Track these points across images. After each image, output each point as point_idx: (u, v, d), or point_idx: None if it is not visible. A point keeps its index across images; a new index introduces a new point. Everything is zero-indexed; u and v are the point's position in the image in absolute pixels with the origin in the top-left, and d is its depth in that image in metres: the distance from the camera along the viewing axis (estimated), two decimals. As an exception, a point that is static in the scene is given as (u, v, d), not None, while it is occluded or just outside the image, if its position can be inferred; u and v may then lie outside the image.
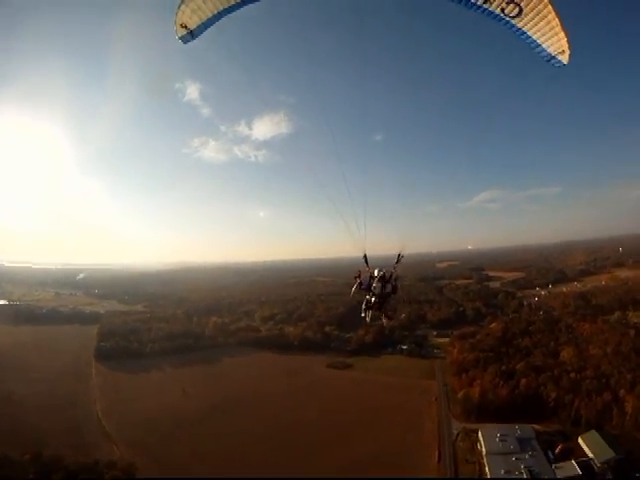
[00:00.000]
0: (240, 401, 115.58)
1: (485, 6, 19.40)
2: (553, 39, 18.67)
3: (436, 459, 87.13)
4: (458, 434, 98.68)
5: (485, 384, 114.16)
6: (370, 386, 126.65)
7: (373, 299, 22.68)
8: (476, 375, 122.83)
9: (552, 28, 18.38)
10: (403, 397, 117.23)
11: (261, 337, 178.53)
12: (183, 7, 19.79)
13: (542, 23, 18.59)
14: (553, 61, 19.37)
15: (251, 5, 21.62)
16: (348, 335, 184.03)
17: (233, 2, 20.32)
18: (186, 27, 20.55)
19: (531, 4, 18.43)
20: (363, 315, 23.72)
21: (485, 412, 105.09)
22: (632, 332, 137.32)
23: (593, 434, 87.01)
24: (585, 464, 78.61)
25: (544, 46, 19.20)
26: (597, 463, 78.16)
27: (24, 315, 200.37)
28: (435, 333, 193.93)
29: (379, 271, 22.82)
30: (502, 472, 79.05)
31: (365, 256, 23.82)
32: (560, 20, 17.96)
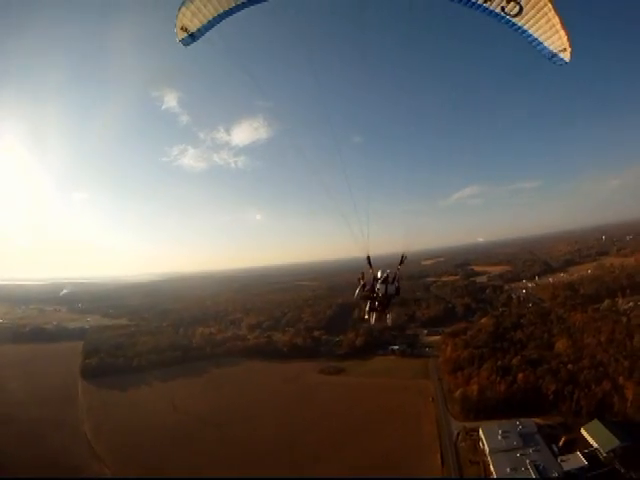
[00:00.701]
0: (233, 414, 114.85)
1: (486, 5, 19.90)
2: (554, 37, 19.11)
3: (439, 461, 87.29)
4: (459, 434, 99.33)
5: (482, 381, 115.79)
6: (364, 390, 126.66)
7: (377, 301, 23.16)
8: (472, 372, 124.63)
9: (553, 26, 18.82)
10: (399, 399, 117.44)
11: (249, 346, 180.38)
12: (183, 9, 20.45)
13: (543, 21, 19.03)
14: (555, 59, 19.85)
15: (250, 7, 22.22)
16: (338, 339, 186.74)
17: (234, 4, 20.91)
18: (186, 30, 21.23)
19: (531, 2, 18.83)
20: (367, 317, 24.06)
21: (484, 409, 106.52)
22: (624, 319, 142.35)
23: (596, 424, 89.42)
24: (591, 455, 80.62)
25: (545, 44, 19.69)
26: (603, 453, 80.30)
27: (6, 334, 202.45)
28: (426, 332, 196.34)
29: (382, 272, 23.38)
30: (508, 470, 79.79)
31: (368, 257, 24.23)
32: (561, 18, 18.41)
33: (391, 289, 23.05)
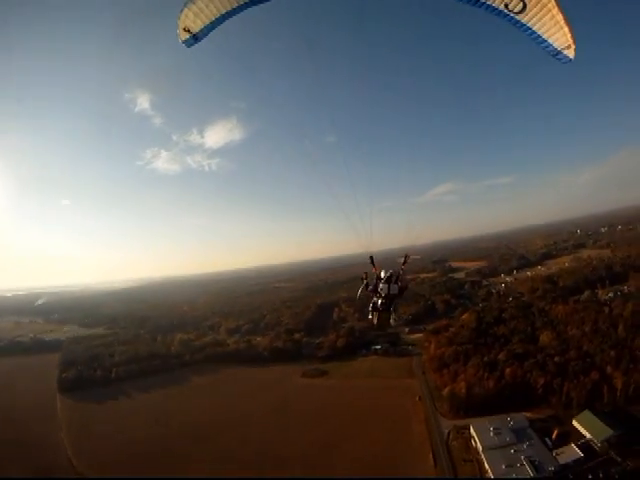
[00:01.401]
0: (217, 425, 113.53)
1: (489, 2, 20.56)
2: (558, 34, 19.48)
3: (432, 462, 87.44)
4: (449, 433, 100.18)
5: (470, 378, 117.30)
6: (349, 392, 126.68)
7: (380, 301, 23.51)
8: (458, 369, 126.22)
9: (557, 23, 19.20)
10: (386, 400, 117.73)
11: (229, 351, 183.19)
12: (186, 10, 21.21)
13: (546, 18, 19.43)
14: (559, 56, 20.27)
15: (250, 8, 22.95)
16: (318, 340, 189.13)
17: (236, 5, 21.57)
18: (189, 31, 22.01)
19: None
20: (370, 317, 24.45)
21: (473, 406, 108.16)
22: (606, 309, 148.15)
23: (587, 415, 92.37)
24: (585, 446, 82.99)
25: (550, 41, 20.11)
26: (597, 443, 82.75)
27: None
28: (407, 330, 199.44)
29: (386, 272, 23.69)
30: (503, 467, 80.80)
31: (371, 257, 25.10)
32: (564, 14, 18.80)
33: (394, 289, 23.37)
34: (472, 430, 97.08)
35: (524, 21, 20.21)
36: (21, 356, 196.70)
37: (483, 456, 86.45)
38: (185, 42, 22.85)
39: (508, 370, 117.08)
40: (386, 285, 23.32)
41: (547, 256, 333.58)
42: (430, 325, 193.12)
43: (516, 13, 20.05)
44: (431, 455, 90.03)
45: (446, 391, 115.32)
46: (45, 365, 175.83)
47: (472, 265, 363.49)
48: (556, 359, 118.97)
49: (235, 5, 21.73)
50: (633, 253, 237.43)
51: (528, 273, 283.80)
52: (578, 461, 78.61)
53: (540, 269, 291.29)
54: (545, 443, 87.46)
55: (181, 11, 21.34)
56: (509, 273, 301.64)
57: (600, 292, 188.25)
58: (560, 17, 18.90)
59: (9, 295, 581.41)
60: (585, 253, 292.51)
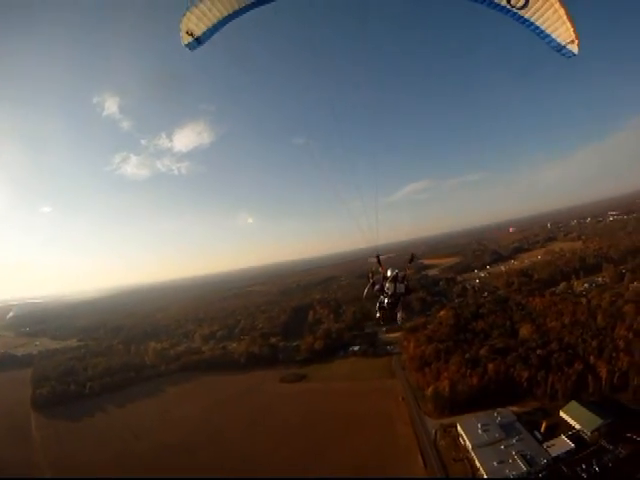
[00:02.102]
0: (197, 436, 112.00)
1: None
2: (562, 29, 20.06)
3: (421, 463, 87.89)
4: (436, 432, 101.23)
5: (452, 375, 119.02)
6: (330, 396, 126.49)
7: (386, 300, 24.27)
8: (440, 367, 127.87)
9: (559, 17, 19.75)
10: (368, 402, 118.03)
11: (205, 359, 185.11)
12: (188, 14, 21.99)
13: (549, 12, 19.97)
14: (564, 51, 20.85)
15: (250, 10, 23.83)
16: (295, 344, 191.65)
17: (237, 7, 22.38)
18: (192, 34, 22.74)
19: None
20: (378, 316, 25.10)
21: (458, 404, 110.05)
22: (584, 300, 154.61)
23: (574, 405, 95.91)
24: (575, 436, 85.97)
25: (553, 36, 20.74)
26: (587, 433, 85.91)
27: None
28: (385, 329, 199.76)
29: (392, 271, 24.44)
30: (495, 464, 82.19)
31: (378, 256, 25.92)
32: (566, 9, 19.38)
33: (400, 288, 24.27)
34: (459, 428, 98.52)
35: (527, 16, 20.80)
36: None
37: (473, 454, 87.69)
38: (188, 45, 23.61)
39: (491, 365, 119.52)
40: (392, 284, 24.09)
41: (519, 250, 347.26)
42: (408, 323, 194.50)
43: (519, 9, 20.67)
44: (420, 456, 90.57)
45: (429, 390, 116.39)
46: (17, 382, 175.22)
47: (445, 262, 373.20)
48: (538, 352, 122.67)
49: (237, 8, 22.53)
50: (605, 245, 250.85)
51: (502, 268, 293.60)
52: (570, 452, 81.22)
53: (513, 263, 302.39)
54: (535, 436, 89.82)
55: (183, 15, 22.14)
56: (482, 268, 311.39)
57: (575, 283, 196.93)
58: (562, 12, 19.44)
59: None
60: (557, 246, 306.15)
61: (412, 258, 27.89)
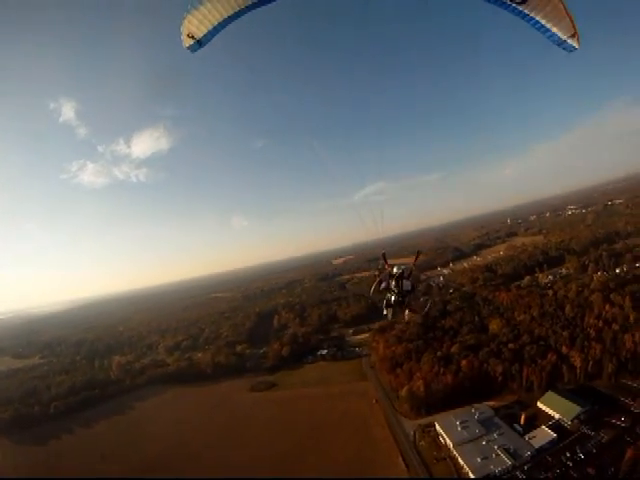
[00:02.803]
0: (170, 453, 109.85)
1: None
2: (562, 23, 20.88)
3: (403, 466, 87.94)
4: (415, 433, 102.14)
5: (426, 375, 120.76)
6: (303, 403, 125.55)
7: (393, 297, 25.09)
8: (412, 367, 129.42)
9: (559, 12, 20.57)
10: (342, 407, 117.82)
11: (170, 371, 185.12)
12: (189, 17, 22.79)
13: (548, 8, 20.75)
14: (564, 45, 21.75)
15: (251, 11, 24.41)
16: (262, 350, 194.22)
17: (237, 8, 23.10)
18: (193, 37, 23.54)
19: None
20: (385, 313, 25.95)
21: (434, 403, 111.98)
22: (550, 292, 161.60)
23: (551, 395, 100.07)
24: (556, 426, 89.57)
25: (553, 30, 21.57)
26: (567, 421, 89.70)
27: None
28: (352, 331, 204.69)
29: (398, 268, 25.25)
30: (478, 460, 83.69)
31: (384, 254, 27.21)
32: (565, 4, 20.20)
33: (407, 285, 24.93)
34: (438, 427, 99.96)
35: (526, 11, 21.50)
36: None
37: (455, 452, 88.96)
38: (190, 48, 24.35)
39: (464, 362, 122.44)
40: (398, 281, 24.83)
41: (481, 246, 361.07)
42: (375, 324, 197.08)
43: (518, 3, 21.31)
44: (401, 459, 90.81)
45: (404, 391, 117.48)
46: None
47: (407, 261, 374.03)
48: (510, 346, 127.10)
49: (237, 9, 23.11)
50: (566, 237, 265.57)
51: (465, 264, 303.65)
52: (552, 442, 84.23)
53: (476, 259, 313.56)
54: (515, 430, 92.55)
55: (184, 18, 22.77)
56: (445, 266, 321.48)
57: (540, 276, 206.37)
58: (562, 6, 20.08)
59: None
60: (518, 240, 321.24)
61: (418, 255, 28.82)
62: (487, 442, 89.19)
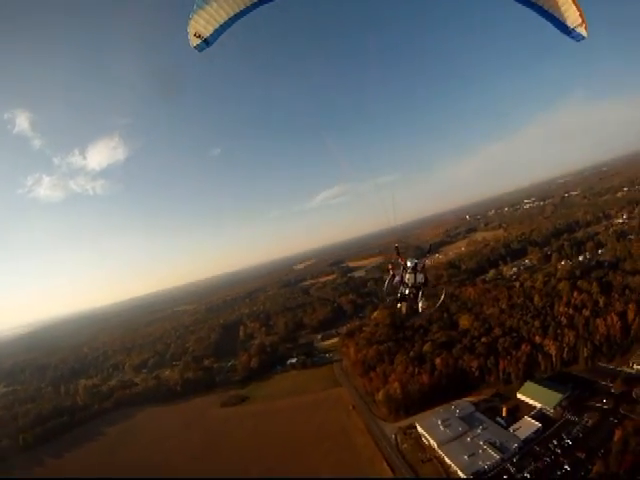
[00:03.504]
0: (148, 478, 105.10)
1: None
2: (570, 11, 21.28)
3: (388, 470, 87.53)
4: (396, 436, 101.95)
5: (401, 376, 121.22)
6: (278, 415, 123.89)
7: (407, 291, 25.61)
8: (386, 370, 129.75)
9: (566, 1, 21.04)
10: (318, 416, 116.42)
11: (139, 391, 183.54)
12: (195, 17, 23.35)
13: None
14: (573, 34, 22.15)
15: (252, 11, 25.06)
16: (230, 363, 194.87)
17: (243, 6, 23.77)
18: (200, 36, 24.06)
19: None
20: (399, 306, 26.25)
21: (413, 404, 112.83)
22: (517, 284, 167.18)
23: (530, 385, 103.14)
24: (539, 415, 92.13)
25: (561, 19, 22.03)
26: (550, 409, 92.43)
27: None
28: (320, 336, 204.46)
29: (412, 262, 26.03)
30: (466, 457, 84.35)
31: (397, 246, 28.46)
32: None
33: (420, 278, 25.59)
34: (419, 428, 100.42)
35: (533, 0, 21.97)
36: None
37: (441, 452, 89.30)
38: (197, 47, 24.77)
39: (438, 360, 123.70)
40: (412, 275, 25.48)
41: (442, 243, 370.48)
42: (343, 328, 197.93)
43: None
44: (385, 463, 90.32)
45: (380, 394, 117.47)
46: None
47: (369, 262, 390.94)
48: (483, 340, 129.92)
49: (242, 7, 23.68)
50: (526, 230, 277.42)
51: (427, 262, 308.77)
52: (538, 431, 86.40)
53: (439, 257, 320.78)
54: (498, 423, 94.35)
55: (190, 18, 23.25)
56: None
57: (504, 269, 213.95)
58: None
59: None
60: (479, 236, 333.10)
61: (430, 248, 31.19)
62: (472, 438, 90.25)
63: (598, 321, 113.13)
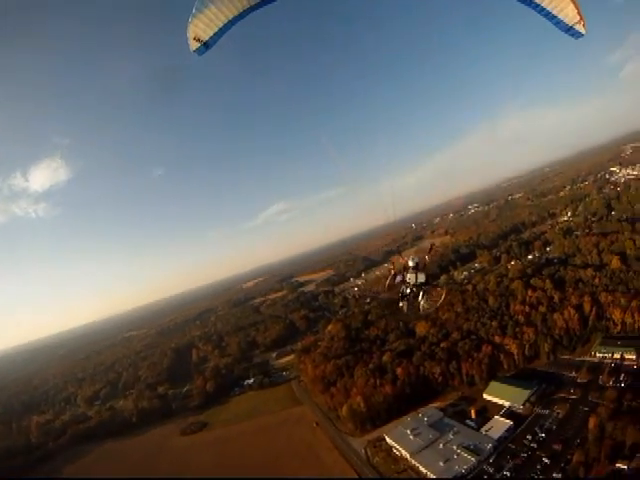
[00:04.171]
0: None
1: None
2: (567, 9, 21.96)
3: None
4: (366, 450, 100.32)
5: (363, 389, 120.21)
6: (241, 440, 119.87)
7: (408, 290, 26.53)
8: (347, 384, 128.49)
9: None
10: (283, 437, 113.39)
11: (94, 425, 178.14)
12: (195, 21, 23.59)
13: None
14: (571, 32, 22.86)
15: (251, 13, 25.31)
16: (186, 389, 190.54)
17: (242, 9, 23.93)
18: (199, 40, 24.39)
19: None
20: (401, 305, 27.27)
21: (379, 416, 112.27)
22: (470, 287, 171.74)
23: (495, 385, 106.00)
24: (509, 413, 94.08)
25: (560, 17, 22.61)
26: (519, 406, 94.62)
27: None
28: (275, 355, 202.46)
29: (413, 261, 26.76)
30: (441, 464, 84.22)
31: (399, 247, 43.42)
32: None
33: (421, 277, 26.39)
34: (389, 439, 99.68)
35: None
36: None
37: (414, 461, 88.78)
38: (197, 51, 25.00)
39: (399, 370, 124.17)
40: (413, 274, 26.31)
41: (390, 253, 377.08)
42: (298, 345, 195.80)
43: None
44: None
45: (344, 410, 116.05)
46: None
47: (319, 276, 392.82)
48: (442, 345, 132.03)
49: (241, 10, 23.78)
50: (473, 234, 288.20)
51: (377, 272, 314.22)
52: (510, 429, 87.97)
53: (387, 266, 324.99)
54: (469, 425, 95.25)
55: (190, 22, 23.44)
56: (358, 276, 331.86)
57: (455, 273, 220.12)
58: None
59: None
60: (426, 243, 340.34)
61: (431, 247, 30.94)
62: (444, 444, 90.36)
63: (556, 316, 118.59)
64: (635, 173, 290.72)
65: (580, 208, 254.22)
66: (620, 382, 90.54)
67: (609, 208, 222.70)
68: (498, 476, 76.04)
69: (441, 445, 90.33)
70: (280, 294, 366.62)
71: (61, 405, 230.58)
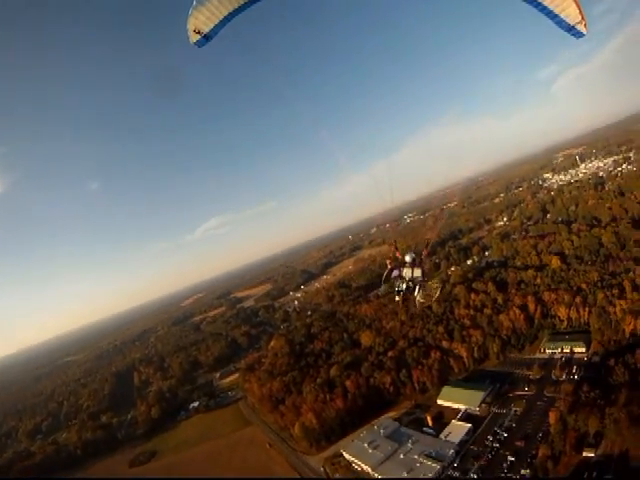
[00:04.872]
0: None
1: None
2: (569, 9, 22.20)
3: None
4: (324, 467, 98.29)
5: (313, 405, 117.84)
6: (193, 465, 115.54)
7: (404, 285, 26.38)
8: (296, 401, 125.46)
9: None
10: (237, 460, 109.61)
11: (38, 462, 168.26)
12: (195, 13, 23.75)
13: None
14: (573, 32, 23.13)
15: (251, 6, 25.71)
16: (130, 416, 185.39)
17: (242, 2, 24.22)
18: (199, 32, 24.59)
19: None
20: (397, 299, 27.04)
21: (333, 431, 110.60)
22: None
23: (448, 390, 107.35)
24: (466, 416, 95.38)
25: (562, 16, 22.84)
26: (475, 408, 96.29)
27: None
28: (218, 375, 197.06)
29: (410, 256, 26.75)
30: (405, 474, 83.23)
31: (395, 242, 30.07)
32: None
33: (417, 272, 26.41)
34: (347, 455, 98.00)
35: None
36: None
37: (377, 474, 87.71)
38: (197, 43, 25.22)
39: (348, 382, 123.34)
40: (410, 269, 26.22)
41: (329, 265, 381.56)
42: (241, 363, 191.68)
43: None
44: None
45: (296, 428, 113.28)
46: None
47: (257, 291, 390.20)
48: (390, 354, 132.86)
49: (242, 2, 24.05)
50: (411, 242, 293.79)
51: (316, 285, 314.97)
52: (470, 432, 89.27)
53: (327, 278, 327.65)
54: (427, 433, 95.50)
55: (190, 14, 23.61)
56: (297, 289, 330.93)
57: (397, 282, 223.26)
58: None
59: None
60: (365, 253, 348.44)
61: (428, 243, 30.81)
62: (405, 454, 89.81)
63: (501, 317, 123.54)
64: (567, 179, 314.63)
65: (516, 213, 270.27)
66: (573, 375, 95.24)
67: (544, 212, 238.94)
68: (466, 479, 76.53)
69: (402, 455, 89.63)
70: (219, 310, 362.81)
71: (2, 441, 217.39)
